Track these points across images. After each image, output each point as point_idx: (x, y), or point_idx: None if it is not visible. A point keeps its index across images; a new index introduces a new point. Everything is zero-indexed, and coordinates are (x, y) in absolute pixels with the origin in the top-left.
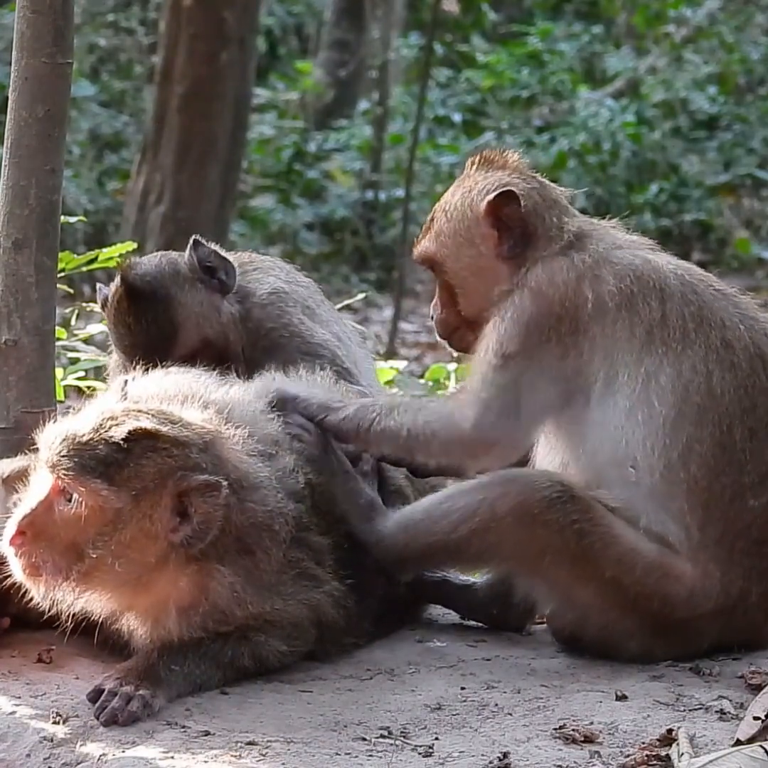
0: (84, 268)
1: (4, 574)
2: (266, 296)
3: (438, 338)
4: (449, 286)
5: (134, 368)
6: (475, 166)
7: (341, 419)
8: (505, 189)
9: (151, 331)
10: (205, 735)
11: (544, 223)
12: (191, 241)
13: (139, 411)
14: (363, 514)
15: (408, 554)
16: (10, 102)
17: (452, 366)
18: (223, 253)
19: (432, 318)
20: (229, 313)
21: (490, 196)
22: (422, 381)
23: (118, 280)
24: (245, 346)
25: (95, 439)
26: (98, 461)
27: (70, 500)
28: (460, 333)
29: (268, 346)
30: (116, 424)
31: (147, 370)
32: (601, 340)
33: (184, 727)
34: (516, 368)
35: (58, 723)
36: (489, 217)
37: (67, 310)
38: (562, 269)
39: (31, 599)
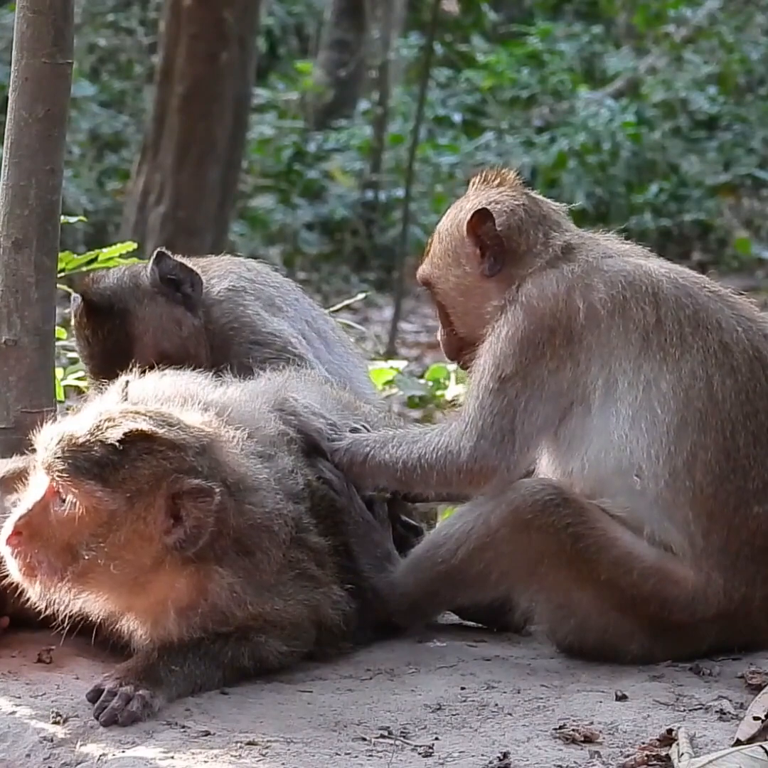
0: (84, 268)
1: (2, 574)
2: (223, 292)
3: (448, 359)
4: (443, 307)
5: (95, 380)
6: (473, 187)
7: (334, 451)
8: (479, 208)
9: (106, 344)
10: (205, 735)
11: (529, 239)
12: (154, 254)
13: (137, 413)
14: (379, 565)
15: (418, 595)
16: (10, 102)
17: (452, 366)
18: (189, 265)
19: (439, 341)
20: (192, 325)
21: (468, 216)
22: (422, 381)
23: (79, 293)
24: (210, 350)
25: (91, 441)
26: (93, 463)
27: (65, 501)
28: (464, 353)
29: (222, 340)
30: (113, 426)
31: (105, 382)
32: (597, 349)
33: (184, 727)
34: (512, 390)
35: (58, 723)
36: (471, 236)
37: (67, 310)
38: (552, 282)
39: (29, 599)
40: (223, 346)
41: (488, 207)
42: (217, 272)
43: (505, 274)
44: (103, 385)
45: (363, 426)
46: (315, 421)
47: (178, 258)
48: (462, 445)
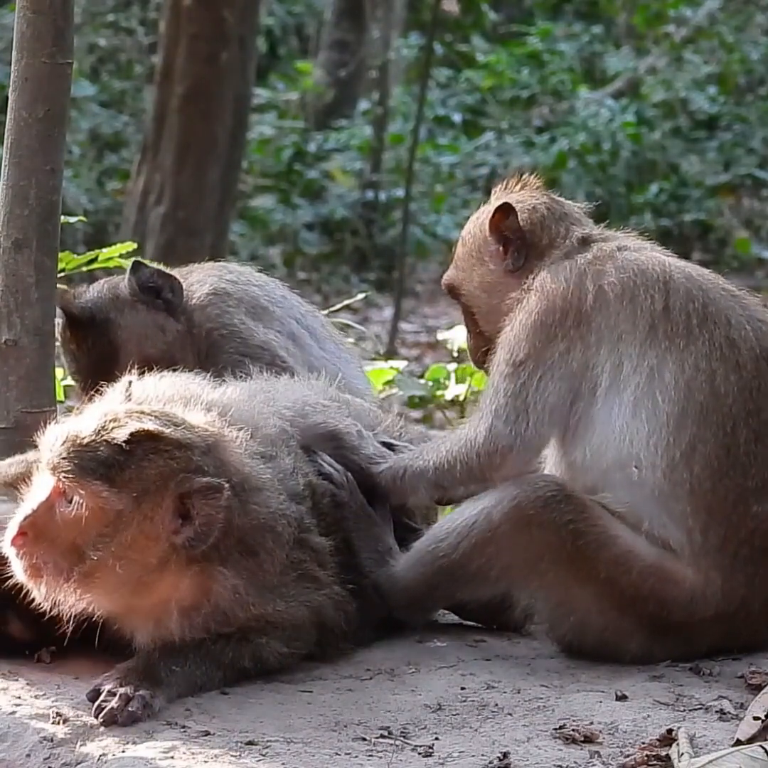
0: (84, 268)
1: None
2: (204, 297)
3: (474, 367)
4: (469, 309)
5: (85, 393)
6: (495, 193)
7: (378, 474)
8: (502, 203)
9: (91, 355)
10: (205, 735)
11: (551, 233)
12: (130, 264)
13: (142, 412)
14: (381, 559)
15: (419, 589)
16: (10, 102)
17: (452, 366)
18: (167, 271)
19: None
20: (175, 330)
21: (491, 213)
22: (422, 381)
23: (60, 308)
24: (195, 355)
25: (97, 441)
26: (99, 463)
27: (71, 502)
28: (490, 356)
29: (209, 347)
30: (118, 426)
31: (94, 394)
32: (606, 332)
33: (184, 727)
34: (524, 373)
35: (58, 723)
36: (493, 233)
37: None
38: (566, 268)
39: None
40: (211, 351)
41: (509, 202)
42: (198, 277)
43: (527, 269)
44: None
45: (389, 439)
46: (365, 447)
47: (155, 265)
48: (479, 431)
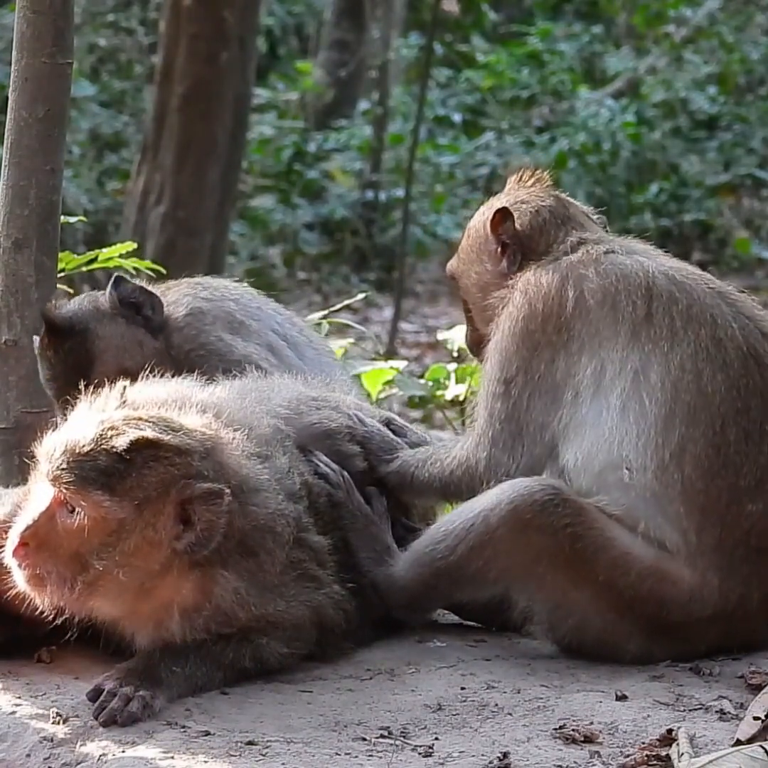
0: (84, 268)
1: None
2: (181, 318)
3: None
4: (465, 302)
5: (57, 401)
6: (509, 185)
7: (387, 473)
8: (501, 207)
9: (68, 362)
10: (205, 735)
11: (549, 238)
12: (112, 278)
13: (140, 419)
14: (379, 558)
15: (417, 589)
16: (10, 102)
17: (452, 366)
18: (149, 288)
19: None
20: (153, 348)
21: (491, 214)
22: (422, 381)
23: (41, 317)
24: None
25: (96, 450)
26: (100, 472)
27: (72, 511)
28: (483, 348)
29: (189, 369)
30: (117, 434)
31: (67, 402)
32: (587, 339)
33: (184, 727)
34: (515, 390)
35: (58, 723)
36: (494, 234)
37: None
38: (549, 272)
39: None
40: (191, 372)
41: (512, 206)
42: (174, 297)
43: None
44: (66, 407)
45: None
46: (375, 437)
47: (138, 281)
48: (478, 457)
